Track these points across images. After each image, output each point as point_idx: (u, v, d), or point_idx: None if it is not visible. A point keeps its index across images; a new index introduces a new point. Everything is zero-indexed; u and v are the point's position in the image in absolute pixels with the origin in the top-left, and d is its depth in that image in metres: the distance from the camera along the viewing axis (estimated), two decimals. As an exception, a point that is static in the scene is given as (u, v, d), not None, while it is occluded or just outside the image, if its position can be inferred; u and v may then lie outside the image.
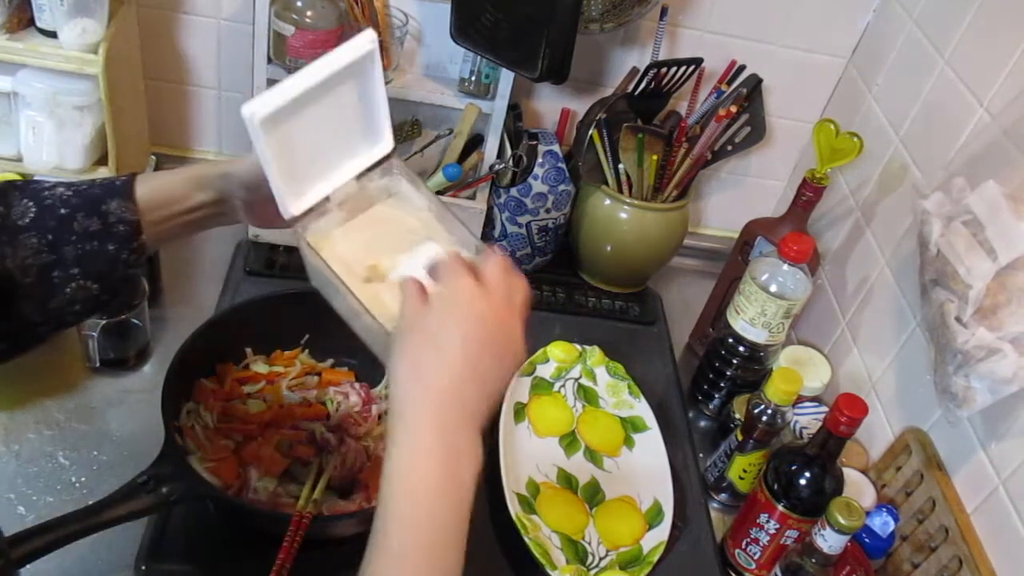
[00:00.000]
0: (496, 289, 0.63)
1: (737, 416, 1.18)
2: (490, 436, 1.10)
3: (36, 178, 0.84)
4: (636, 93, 1.29)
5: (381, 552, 0.56)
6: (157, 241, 0.76)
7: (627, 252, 1.36)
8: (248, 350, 1.11)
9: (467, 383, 0.58)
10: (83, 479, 0.99)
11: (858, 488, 1.07)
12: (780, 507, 0.99)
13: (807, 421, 1.19)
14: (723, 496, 1.15)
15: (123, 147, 1.24)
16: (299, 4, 1.16)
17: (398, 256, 0.73)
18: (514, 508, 1.03)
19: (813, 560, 0.91)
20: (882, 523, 1.01)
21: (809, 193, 1.19)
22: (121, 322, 1.08)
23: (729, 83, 1.30)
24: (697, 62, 1.28)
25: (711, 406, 1.27)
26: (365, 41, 0.68)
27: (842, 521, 0.87)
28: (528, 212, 1.34)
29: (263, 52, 1.20)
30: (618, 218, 1.32)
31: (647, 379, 1.27)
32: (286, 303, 1.12)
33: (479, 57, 1.23)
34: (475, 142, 1.36)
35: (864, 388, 1.18)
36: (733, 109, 1.25)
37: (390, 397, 0.60)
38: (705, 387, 1.27)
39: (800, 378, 1.05)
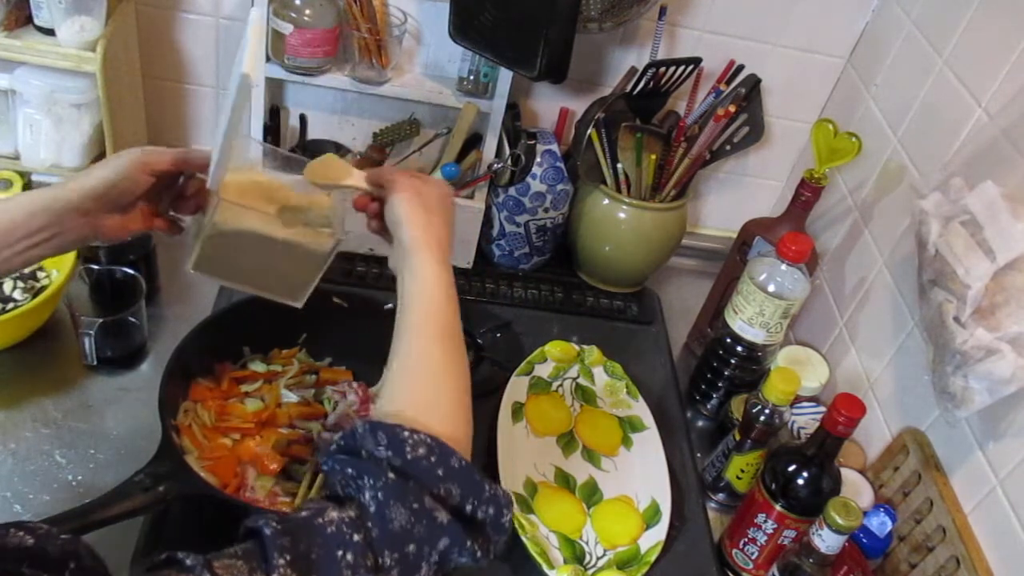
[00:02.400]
0: (432, 180, 0.86)
1: (735, 416, 1.18)
2: (488, 435, 1.11)
3: None
4: (635, 92, 1.29)
5: (406, 360, 0.73)
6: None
7: (625, 252, 1.36)
8: (246, 349, 1.11)
9: (446, 231, 0.81)
10: (80, 477, 0.99)
11: (856, 488, 1.07)
12: (778, 507, 0.99)
13: (805, 421, 1.19)
14: (721, 496, 1.15)
15: (121, 145, 1.24)
16: (297, 3, 1.16)
17: (298, 197, 0.85)
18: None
19: (811, 560, 0.91)
20: (879, 523, 1.00)
21: (807, 193, 1.19)
22: (118, 321, 1.08)
23: (728, 83, 1.30)
24: (696, 62, 1.28)
25: (709, 406, 1.27)
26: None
27: (840, 521, 0.87)
28: (526, 211, 1.33)
29: (262, 51, 1.19)
30: (616, 218, 1.32)
31: (645, 379, 1.27)
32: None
33: (478, 56, 1.23)
34: (473, 141, 1.36)
35: (862, 388, 1.18)
36: (732, 109, 1.25)
37: (403, 243, 0.78)
38: (703, 387, 1.26)
39: (798, 378, 1.05)
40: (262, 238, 0.81)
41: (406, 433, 0.64)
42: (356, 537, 0.60)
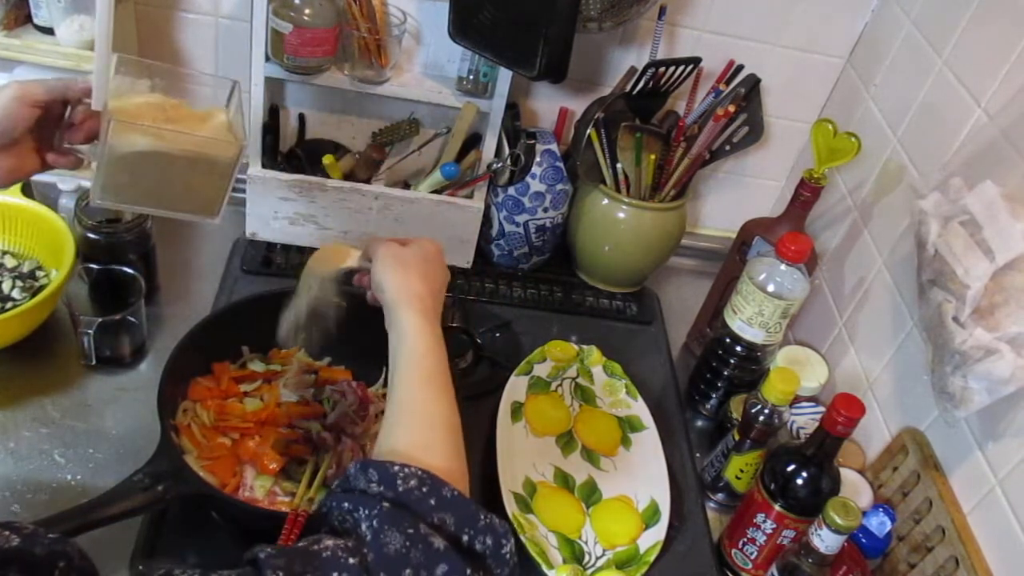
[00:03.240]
0: (415, 242, 0.89)
1: (734, 416, 1.18)
2: (487, 435, 1.11)
3: None
4: (634, 92, 1.29)
5: (397, 408, 0.75)
6: None
7: (625, 251, 1.36)
8: (245, 348, 1.11)
9: (424, 285, 0.84)
10: (79, 477, 0.99)
11: (855, 488, 1.07)
12: (777, 507, 0.99)
13: (804, 421, 1.19)
14: (720, 496, 1.15)
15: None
16: (297, 2, 1.16)
17: (193, 111, 0.87)
18: (511, 507, 1.03)
19: (810, 560, 0.91)
20: (879, 523, 1.00)
21: (807, 193, 1.19)
22: (118, 320, 1.08)
23: (727, 83, 1.29)
24: (695, 61, 1.28)
25: (708, 406, 1.27)
26: None
27: (839, 521, 0.87)
28: (526, 211, 1.33)
29: (261, 50, 1.19)
30: (616, 217, 1.32)
31: (644, 378, 1.27)
32: (283, 302, 1.11)
33: (477, 56, 1.23)
34: (473, 141, 1.36)
35: (861, 388, 1.18)
36: (731, 109, 1.25)
37: (385, 303, 0.83)
38: (702, 387, 1.26)
39: (797, 378, 1.05)
40: (162, 155, 0.82)
41: (396, 467, 0.66)
42: (352, 560, 0.60)
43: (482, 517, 0.67)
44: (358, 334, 1.10)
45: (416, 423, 0.74)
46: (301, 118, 1.37)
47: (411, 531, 0.62)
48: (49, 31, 1.16)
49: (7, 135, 0.81)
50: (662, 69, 1.26)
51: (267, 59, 1.21)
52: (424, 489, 0.65)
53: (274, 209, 1.31)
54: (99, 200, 0.84)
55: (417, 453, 0.70)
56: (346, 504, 0.65)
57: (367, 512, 0.63)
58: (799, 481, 0.97)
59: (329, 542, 0.61)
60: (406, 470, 0.66)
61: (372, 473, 0.66)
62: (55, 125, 0.85)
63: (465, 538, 0.65)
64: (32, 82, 0.81)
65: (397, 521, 0.63)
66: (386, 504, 0.64)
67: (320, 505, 0.69)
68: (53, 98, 0.82)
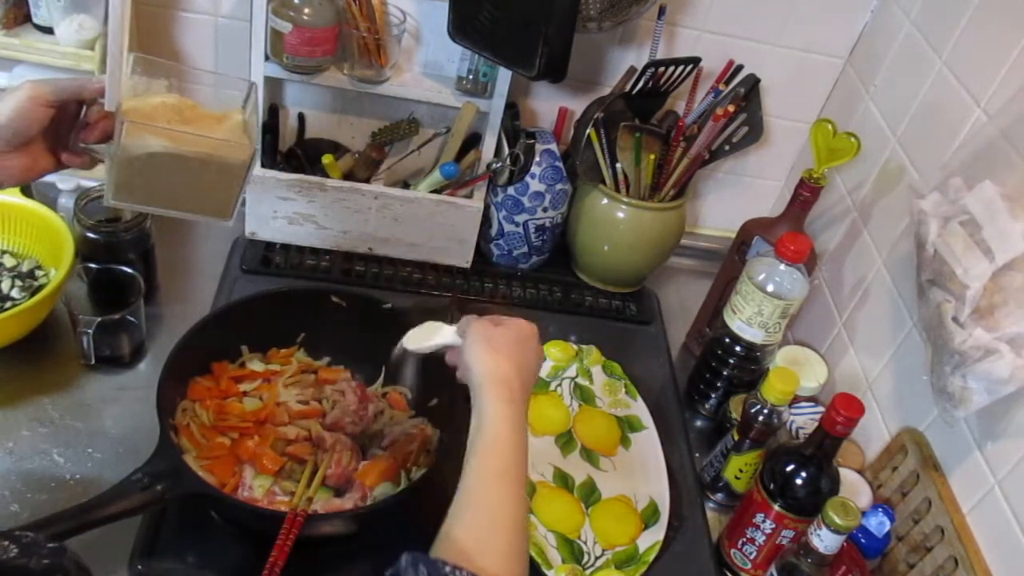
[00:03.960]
0: (510, 322, 0.90)
1: (733, 416, 1.18)
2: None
3: None
4: (634, 92, 1.29)
5: (464, 496, 0.73)
6: None
7: (624, 251, 1.36)
8: (244, 348, 1.10)
9: (515, 371, 0.82)
10: (78, 476, 0.99)
11: (854, 488, 1.07)
12: (776, 507, 0.99)
13: (803, 421, 1.19)
14: (719, 496, 1.15)
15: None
16: (296, 1, 1.16)
17: (209, 112, 0.87)
18: (510, 507, 1.03)
19: (809, 560, 0.91)
20: (878, 523, 1.01)
21: (806, 193, 1.19)
22: (117, 319, 1.08)
23: (727, 83, 1.29)
24: (695, 61, 1.28)
25: (707, 406, 1.27)
26: None
27: (838, 521, 0.87)
28: (525, 211, 1.33)
29: (260, 50, 1.19)
30: (615, 217, 1.32)
31: (644, 378, 1.27)
32: (282, 301, 1.12)
33: (477, 56, 1.23)
34: (472, 141, 1.36)
35: (860, 388, 1.18)
36: (731, 109, 1.25)
37: (471, 384, 0.82)
38: (702, 387, 1.26)
39: (796, 378, 1.05)
40: (175, 157, 0.81)
41: (448, 568, 0.64)
42: None
43: None
44: (358, 335, 1.10)
45: (480, 519, 0.72)
46: (300, 117, 1.37)
47: None
48: (48, 30, 1.16)
49: (21, 135, 0.80)
50: (662, 69, 1.26)
51: (266, 58, 1.21)
52: None
53: (273, 209, 1.31)
54: (112, 200, 0.84)
55: (475, 552, 0.68)
56: None
57: None
58: (798, 481, 0.97)
59: None
60: (457, 572, 0.64)
61: (422, 570, 0.64)
62: (70, 125, 0.84)
63: None
64: (46, 82, 0.81)
65: None
66: None
67: None
68: (67, 98, 0.82)
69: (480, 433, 0.77)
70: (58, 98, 0.81)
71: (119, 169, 0.82)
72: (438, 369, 0.95)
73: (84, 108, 0.84)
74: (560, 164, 1.32)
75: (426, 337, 0.94)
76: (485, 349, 0.83)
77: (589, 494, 1.10)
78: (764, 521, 1.00)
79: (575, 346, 1.26)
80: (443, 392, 1.06)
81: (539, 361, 0.88)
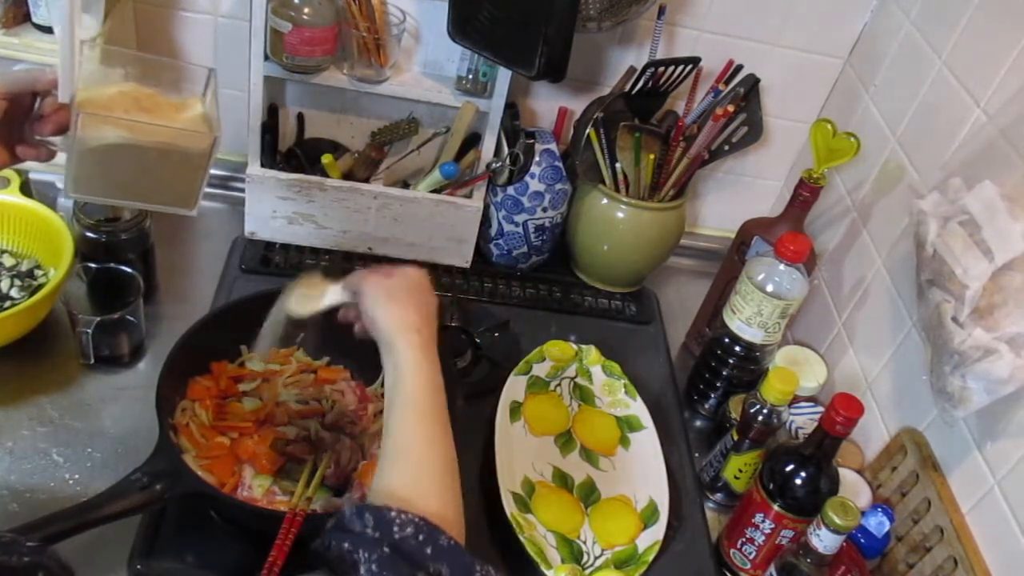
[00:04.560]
0: (400, 272, 0.90)
1: (733, 416, 1.18)
2: (486, 434, 1.11)
3: None
4: (633, 92, 1.29)
5: (392, 447, 0.75)
6: None
7: (624, 251, 1.36)
8: (243, 348, 1.10)
9: (417, 316, 0.83)
10: (77, 476, 0.99)
11: (853, 488, 1.07)
12: (776, 507, 0.99)
13: (803, 421, 1.19)
14: (718, 496, 1.15)
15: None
16: (296, 1, 1.16)
17: (168, 100, 0.86)
18: (509, 507, 1.03)
19: (808, 560, 0.91)
20: (877, 523, 1.01)
21: (806, 193, 1.19)
22: (116, 319, 1.08)
23: (726, 83, 1.29)
24: (694, 61, 1.28)
25: (707, 406, 1.27)
26: None
27: (837, 521, 0.87)
28: (525, 211, 1.33)
29: (260, 49, 1.19)
30: (615, 217, 1.32)
31: (643, 378, 1.27)
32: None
33: (476, 55, 1.23)
34: (472, 140, 1.36)
35: (860, 388, 1.18)
36: (730, 109, 1.25)
37: (378, 339, 0.83)
38: (701, 387, 1.26)
39: (796, 378, 1.05)
40: (133, 147, 0.80)
41: (392, 513, 0.65)
42: None
43: (478, 568, 0.66)
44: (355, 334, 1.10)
45: (411, 465, 0.73)
46: (300, 117, 1.37)
47: None
48: (48, 30, 1.16)
49: None
50: (661, 69, 1.26)
51: (266, 58, 1.21)
52: (420, 537, 0.65)
53: (273, 208, 1.31)
54: (72, 193, 0.83)
55: (412, 496, 0.69)
56: (346, 544, 0.65)
57: (367, 555, 0.63)
58: (798, 481, 0.97)
59: None
60: (403, 516, 0.65)
61: (368, 518, 0.65)
62: (24, 117, 0.83)
63: None
64: None
65: (397, 568, 0.62)
66: (386, 549, 0.63)
67: (317, 543, 0.68)
68: (20, 90, 0.81)
69: (398, 385, 0.78)
70: (10, 90, 0.80)
71: (77, 161, 0.81)
72: (331, 325, 0.94)
73: (38, 100, 0.83)
74: (560, 164, 1.32)
75: (313, 299, 0.92)
76: (387, 301, 0.84)
77: (588, 494, 1.10)
78: (763, 521, 1.00)
79: (574, 346, 1.26)
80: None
81: (435, 305, 0.88)
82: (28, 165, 1.22)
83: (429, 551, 0.65)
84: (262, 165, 1.29)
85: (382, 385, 1.11)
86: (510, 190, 1.32)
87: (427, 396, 0.78)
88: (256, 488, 0.96)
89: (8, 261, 1.17)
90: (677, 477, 1.15)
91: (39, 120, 0.83)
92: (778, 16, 1.32)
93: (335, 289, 0.91)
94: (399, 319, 0.82)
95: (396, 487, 0.71)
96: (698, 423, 1.27)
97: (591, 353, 1.25)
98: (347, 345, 1.11)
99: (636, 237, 1.34)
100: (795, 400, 1.17)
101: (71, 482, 0.98)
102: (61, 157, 0.85)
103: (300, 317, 0.92)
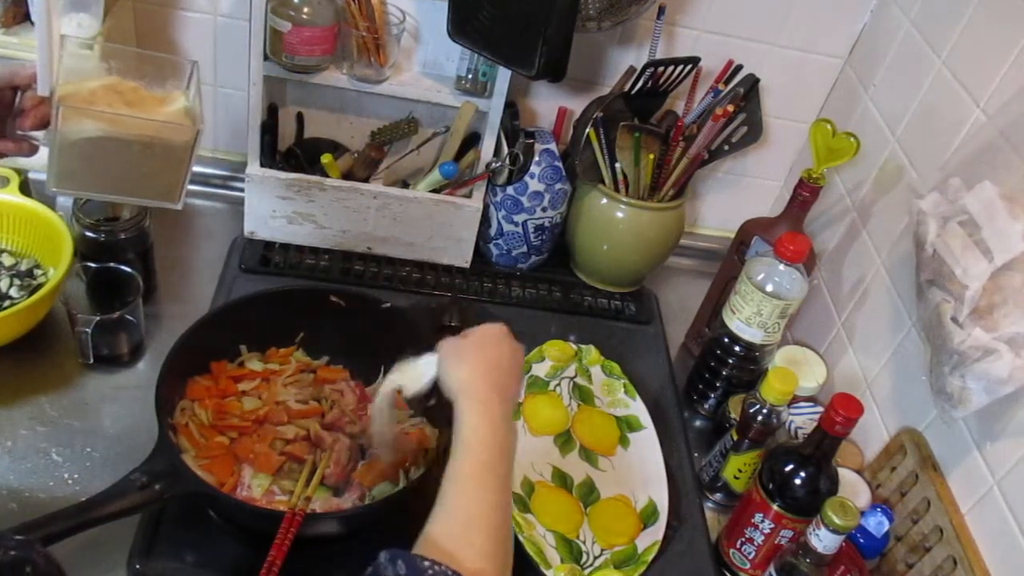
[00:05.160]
0: (475, 330, 0.90)
1: (732, 416, 1.18)
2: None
3: None
4: (633, 92, 1.29)
5: (441, 498, 0.74)
6: None
7: (623, 251, 1.36)
8: (243, 347, 1.10)
9: (481, 375, 0.83)
10: (76, 475, 0.99)
11: (853, 488, 1.07)
12: (775, 507, 0.99)
13: (802, 421, 1.19)
14: (718, 496, 1.15)
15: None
16: (296, 1, 1.16)
17: (151, 93, 0.85)
18: (509, 507, 1.03)
19: (808, 560, 0.91)
20: (877, 523, 1.01)
21: (805, 193, 1.19)
22: (115, 319, 1.08)
23: (726, 83, 1.29)
24: (694, 61, 1.28)
25: (706, 406, 1.27)
26: None
27: (837, 521, 0.87)
28: (524, 211, 1.33)
29: (259, 49, 1.19)
30: (614, 217, 1.32)
31: (642, 378, 1.27)
32: (281, 300, 1.12)
33: (476, 55, 1.23)
34: (472, 140, 1.36)
35: (859, 388, 1.18)
36: (730, 109, 1.25)
37: (450, 386, 0.84)
38: (700, 387, 1.26)
39: (795, 378, 1.05)
40: (115, 141, 0.80)
41: (426, 563, 0.65)
42: None
43: None
44: (357, 334, 1.10)
45: (456, 519, 0.73)
46: (299, 117, 1.37)
47: None
48: (47, 29, 1.16)
49: None
50: (661, 69, 1.26)
51: (266, 58, 1.21)
52: None
53: (272, 208, 1.30)
54: (54, 188, 0.83)
55: (452, 550, 0.69)
56: None
57: None
58: (797, 481, 0.97)
59: None
60: (435, 568, 0.65)
61: (401, 565, 0.64)
62: (5, 112, 0.83)
63: None
64: None
65: None
66: None
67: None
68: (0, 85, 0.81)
69: (457, 440, 0.78)
70: None
71: (59, 156, 0.80)
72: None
73: (19, 94, 0.83)
74: (559, 164, 1.32)
75: (417, 376, 0.92)
76: (453, 363, 0.86)
77: (588, 494, 1.10)
78: (763, 521, 1.00)
79: (574, 346, 1.26)
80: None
81: (513, 356, 0.88)
82: (27, 164, 1.22)
83: None
84: (262, 165, 1.29)
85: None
86: (510, 190, 1.32)
87: (482, 453, 0.77)
88: (255, 488, 0.96)
89: (7, 260, 1.17)
90: (676, 477, 1.15)
91: (20, 115, 0.83)
92: (778, 16, 1.32)
93: (432, 360, 0.90)
94: (459, 378, 0.83)
95: (438, 539, 0.71)
96: (697, 423, 1.27)
97: (591, 353, 1.25)
98: (347, 345, 1.12)
99: (636, 237, 1.34)
100: (794, 400, 1.17)
101: (70, 481, 0.98)
102: (45, 152, 0.84)
103: (411, 395, 0.93)
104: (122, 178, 0.84)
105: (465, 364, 0.85)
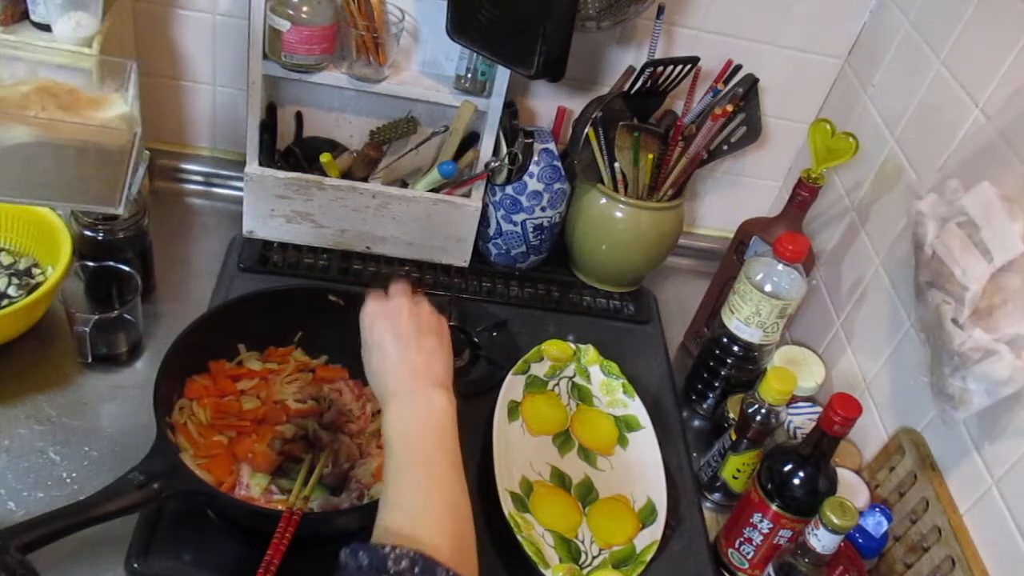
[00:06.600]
0: (367, 316, 0.85)
1: (731, 416, 1.18)
2: (484, 434, 1.11)
3: None
4: (632, 92, 1.29)
5: (384, 488, 0.74)
6: None
7: (622, 251, 1.36)
8: (241, 347, 1.10)
9: (402, 358, 0.80)
10: (74, 475, 0.99)
11: (851, 488, 1.07)
12: (774, 507, 0.99)
13: (801, 421, 1.19)
14: (716, 496, 1.15)
15: (117, 142, 1.23)
16: (295, 0, 1.16)
17: (89, 95, 0.83)
18: (507, 506, 1.03)
19: (806, 560, 0.91)
20: (875, 523, 1.01)
21: (804, 193, 1.19)
22: (114, 318, 1.08)
23: (725, 82, 1.29)
24: (693, 61, 1.27)
25: (705, 405, 1.27)
26: None
27: (835, 521, 0.87)
28: (523, 210, 1.33)
29: (258, 48, 1.19)
30: (613, 217, 1.32)
31: (641, 378, 1.27)
32: (280, 300, 1.12)
33: (475, 54, 1.23)
34: (471, 140, 1.36)
35: (858, 388, 1.18)
36: (729, 108, 1.25)
37: (371, 385, 0.82)
38: (699, 386, 1.26)
39: (794, 378, 1.05)
40: (48, 146, 0.78)
41: (387, 549, 0.64)
42: None
43: None
44: (356, 333, 1.10)
45: (402, 508, 0.72)
46: (299, 116, 1.37)
47: None
48: (46, 28, 1.15)
49: None
50: (660, 68, 1.26)
51: (265, 57, 1.21)
52: (416, 570, 0.64)
53: (271, 207, 1.30)
54: None
55: (408, 534, 0.68)
56: None
57: None
58: (796, 481, 0.97)
59: None
60: (397, 551, 0.64)
61: (363, 555, 0.64)
62: None
63: None
64: None
65: None
66: None
67: None
68: None
69: (389, 436, 0.77)
70: None
71: None
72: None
73: None
74: (558, 163, 1.32)
75: None
76: (366, 366, 0.83)
77: (586, 493, 1.10)
78: (761, 521, 1.00)
79: (573, 345, 1.26)
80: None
81: (419, 323, 0.83)
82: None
83: None
84: (260, 164, 1.29)
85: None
86: (508, 189, 1.32)
87: (409, 449, 0.76)
88: (254, 487, 0.96)
89: (6, 259, 1.17)
90: (675, 477, 1.15)
91: None
92: (777, 16, 1.32)
93: None
94: (372, 380, 0.82)
95: (391, 526, 0.70)
96: (696, 423, 1.27)
97: (589, 353, 1.25)
98: (346, 344, 1.12)
99: (634, 237, 1.34)
100: (793, 400, 1.17)
101: (68, 480, 0.98)
102: None
103: None
104: (58, 184, 0.82)
105: (371, 373, 0.83)
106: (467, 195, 1.35)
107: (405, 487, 0.73)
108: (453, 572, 0.65)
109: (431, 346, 0.83)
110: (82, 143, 0.80)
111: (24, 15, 1.17)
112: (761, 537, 1.01)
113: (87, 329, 1.06)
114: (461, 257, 1.39)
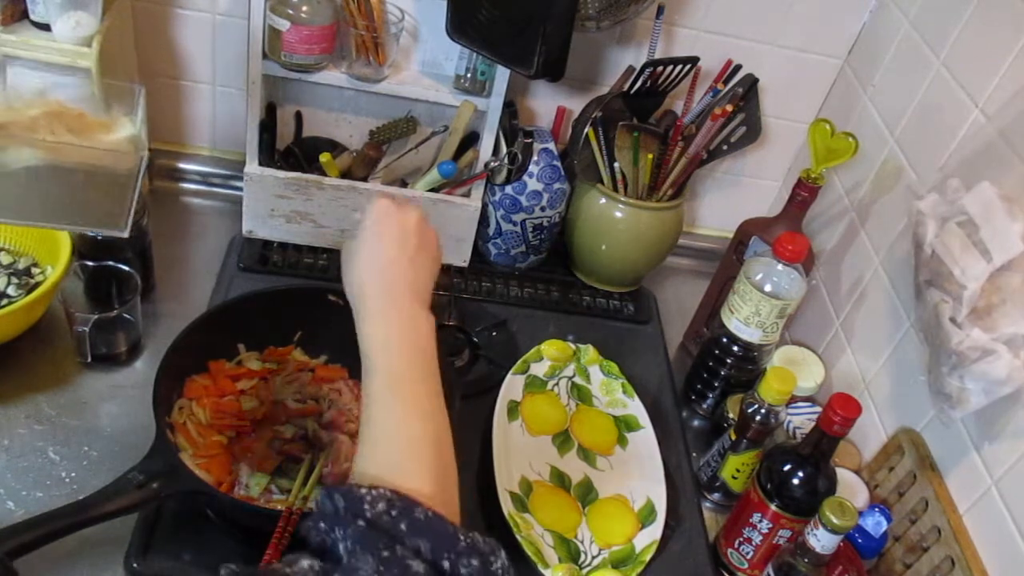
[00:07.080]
0: (367, 217, 0.80)
1: (731, 416, 1.18)
2: (484, 433, 1.11)
3: None
4: (632, 92, 1.29)
5: (362, 426, 0.70)
6: None
7: (622, 251, 1.36)
8: (241, 346, 1.10)
9: (390, 268, 0.76)
10: (73, 474, 0.99)
11: (851, 488, 1.07)
12: (773, 507, 0.99)
13: (800, 421, 1.19)
14: (716, 495, 1.15)
15: (116, 141, 1.23)
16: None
17: (97, 118, 0.83)
18: (507, 506, 1.03)
19: (806, 560, 0.91)
20: (875, 523, 1.01)
21: (804, 193, 1.19)
22: (113, 317, 1.08)
23: (725, 82, 1.29)
24: (693, 61, 1.27)
25: (705, 405, 1.27)
26: None
27: (835, 521, 0.87)
28: (523, 210, 1.33)
29: (258, 47, 1.19)
30: (613, 217, 1.32)
31: (641, 378, 1.27)
32: (279, 299, 1.12)
33: (475, 54, 1.23)
34: (470, 139, 1.36)
35: (857, 388, 1.18)
36: (729, 108, 1.25)
37: (348, 294, 0.76)
38: (699, 386, 1.26)
39: (794, 378, 1.05)
40: (56, 169, 0.78)
41: (363, 491, 0.61)
42: None
43: (462, 538, 0.61)
44: (355, 333, 1.10)
45: (376, 441, 0.68)
46: (298, 116, 1.37)
47: (386, 554, 0.58)
48: (45, 27, 1.15)
49: None
50: (660, 68, 1.26)
51: (264, 56, 1.21)
52: (394, 512, 0.60)
53: (271, 207, 1.30)
54: None
55: (384, 475, 0.65)
56: (321, 525, 0.62)
57: (342, 533, 0.60)
58: (795, 481, 0.97)
59: (305, 563, 0.58)
60: (373, 492, 0.61)
61: (338, 498, 0.61)
62: None
63: (447, 564, 0.59)
64: None
65: (371, 543, 0.58)
66: (361, 523, 0.59)
67: (298, 529, 0.65)
68: None
69: (361, 356, 0.73)
70: None
71: None
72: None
73: None
74: (558, 163, 1.32)
75: None
76: (345, 268, 0.78)
77: (586, 493, 1.10)
78: (761, 521, 1.00)
79: (572, 345, 1.26)
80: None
81: (415, 234, 0.79)
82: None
83: (404, 526, 0.60)
84: (260, 164, 1.29)
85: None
86: (508, 189, 1.32)
87: (390, 365, 0.71)
88: (253, 487, 0.96)
89: (5, 259, 1.17)
90: (675, 477, 1.15)
91: None
92: (777, 16, 1.32)
93: None
94: (351, 286, 0.76)
95: (368, 467, 0.67)
96: (696, 423, 1.27)
97: (589, 352, 1.25)
98: (345, 344, 1.11)
99: (634, 237, 1.34)
100: (793, 400, 1.17)
101: (67, 480, 0.98)
102: None
103: None
104: (64, 207, 0.82)
105: (354, 266, 0.76)
106: (467, 195, 1.35)
107: (388, 416, 0.69)
108: (433, 512, 0.61)
109: (426, 263, 0.79)
110: (90, 166, 0.80)
111: (24, 15, 1.17)
112: (760, 537, 1.01)
113: (86, 329, 1.06)
114: (461, 257, 1.39)
